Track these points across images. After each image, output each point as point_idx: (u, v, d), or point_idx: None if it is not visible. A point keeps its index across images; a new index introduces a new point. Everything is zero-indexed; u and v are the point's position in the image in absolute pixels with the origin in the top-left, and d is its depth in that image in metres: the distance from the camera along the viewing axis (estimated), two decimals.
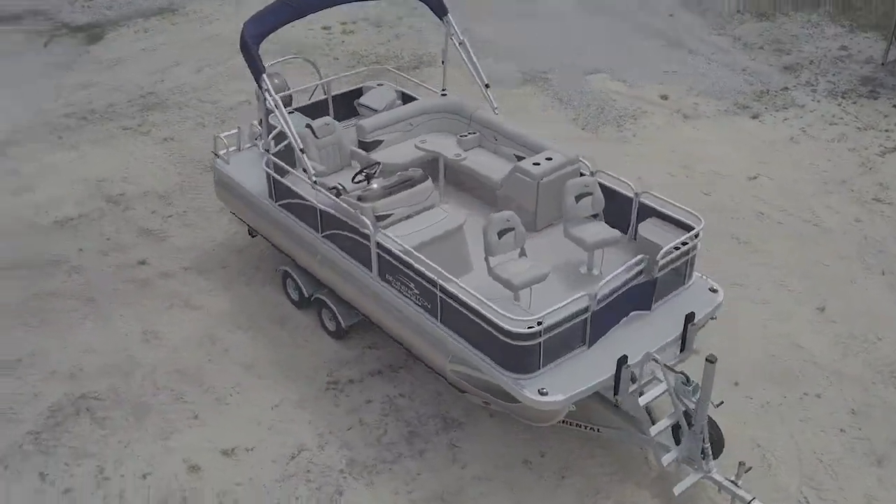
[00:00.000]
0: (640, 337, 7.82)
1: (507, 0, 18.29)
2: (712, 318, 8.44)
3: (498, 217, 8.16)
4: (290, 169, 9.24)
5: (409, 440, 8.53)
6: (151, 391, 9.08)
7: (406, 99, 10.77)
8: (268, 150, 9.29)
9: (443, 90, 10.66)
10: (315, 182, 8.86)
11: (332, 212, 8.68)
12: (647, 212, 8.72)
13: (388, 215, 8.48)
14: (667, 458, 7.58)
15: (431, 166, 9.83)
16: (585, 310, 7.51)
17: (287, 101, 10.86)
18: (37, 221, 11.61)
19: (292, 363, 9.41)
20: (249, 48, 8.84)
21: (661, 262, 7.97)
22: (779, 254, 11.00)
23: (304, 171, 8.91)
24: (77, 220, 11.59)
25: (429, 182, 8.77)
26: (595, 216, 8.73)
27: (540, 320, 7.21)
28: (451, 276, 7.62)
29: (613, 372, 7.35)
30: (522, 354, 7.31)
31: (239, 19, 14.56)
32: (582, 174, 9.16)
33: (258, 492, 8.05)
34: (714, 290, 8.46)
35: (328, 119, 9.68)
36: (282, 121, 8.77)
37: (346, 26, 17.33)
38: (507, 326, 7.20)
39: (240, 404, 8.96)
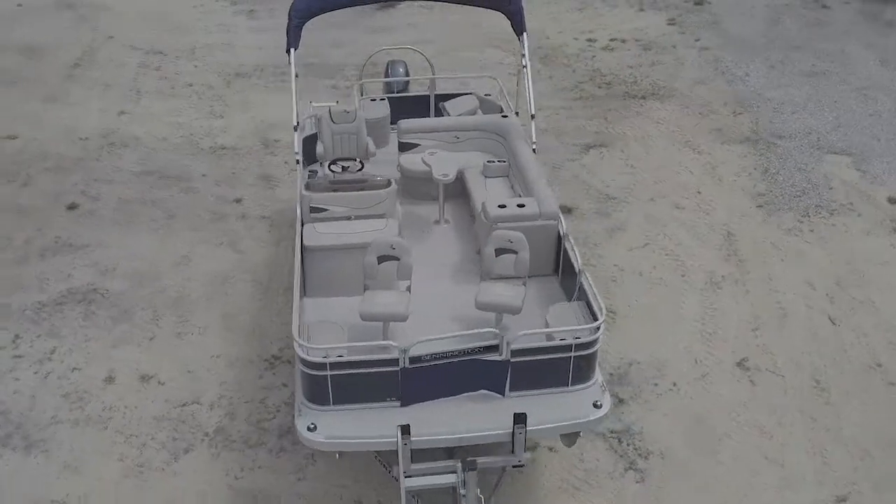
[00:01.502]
0: (467, 420, 6.78)
1: (805, 52, 16.02)
2: (578, 434, 7.08)
3: (382, 241, 7.56)
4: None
5: (282, 434, 8.39)
6: (143, 305, 9.98)
7: (487, 109, 10.29)
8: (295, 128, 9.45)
9: (512, 112, 10.03)
10: (298, 161, 8.95)
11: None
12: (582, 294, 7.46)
13: (324, 209, 8.29)
14: None
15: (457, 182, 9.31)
16: (394, 362, 6.71)
17: (403, 88, 10.92)
18: (199, 144, 13.17)
19: (267, 328, 9.69)
20: (290, 22, 9.13)
21: (514, 348, 6.81)
22: None
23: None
24: (223, 152, 12.90)
25: (386, 191, 8.36)
26: (522, 280, 7.69)
27: (327, 355, 6.65)
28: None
29: (397, 439, 6.53)
30: (312, 384, 6.79)
31: None
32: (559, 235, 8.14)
33: (131, 419, 8.55)
34: (597, 406, 6.98)
35: (351, 108, 9.68)
36: (293, 97, 9.01)
37: (613, 43, 16.56)
38: (301, 353, 6.75)
39: (192, 344, 9.48)
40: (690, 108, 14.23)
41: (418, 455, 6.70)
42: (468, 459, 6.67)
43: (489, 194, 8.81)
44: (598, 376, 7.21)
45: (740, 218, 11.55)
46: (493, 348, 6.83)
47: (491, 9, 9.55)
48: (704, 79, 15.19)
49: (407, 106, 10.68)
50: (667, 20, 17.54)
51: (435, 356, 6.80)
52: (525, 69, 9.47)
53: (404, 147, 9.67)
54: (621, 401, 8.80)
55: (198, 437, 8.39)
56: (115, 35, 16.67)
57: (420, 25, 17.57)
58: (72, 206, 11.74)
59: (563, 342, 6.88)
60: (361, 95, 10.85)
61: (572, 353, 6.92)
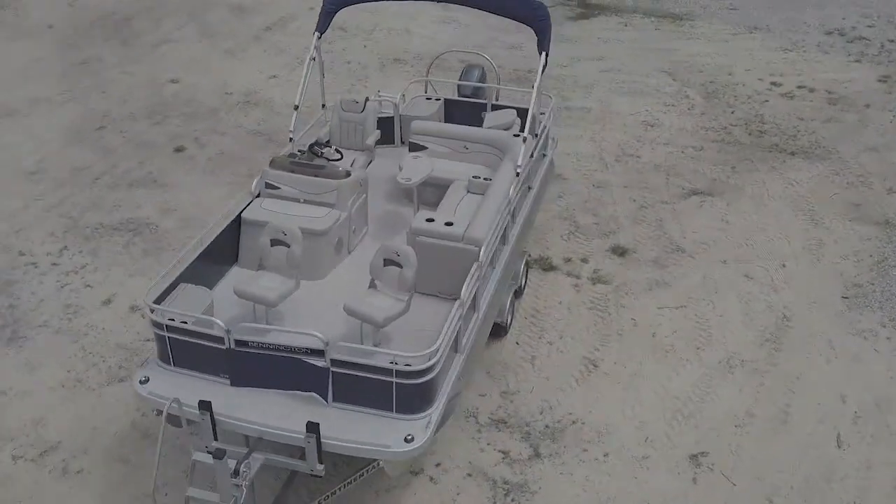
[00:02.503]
0: (276, 416, 6.66)
1: None
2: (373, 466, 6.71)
3: (275, 225, 7.58)
4: None
5: None
6: (175, 246, 10.77)
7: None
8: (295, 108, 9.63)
9: (529, 134, 9.43)
10: (290, 139, 9.17)
11: None
12: None
13: (277, 188, 8.45)
14: None
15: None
16: (220, 340, 6.76)
17: (472, 93, 10.75)
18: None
19: None
20: (323, 7, 9.33)
21: (333, 357, 6.54)
22: None
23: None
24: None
25: (338, 182, 8.33)
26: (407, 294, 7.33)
27: (159, 316, 6.89)
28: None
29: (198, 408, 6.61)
30: (158, 341, 7.05)
31: None
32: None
33: (100, 340, 9.35)
34: (408, 441, 6.50)
35: (361, 99, 9.64)
36: (302, 80, 9.25)
37: (799, 91, 14.87)
38: (147, 312, 7.00)
39: None
40: (839, 176, 12.49)
41: (226, 436, 6.77)
42: (252, 451, 6.62)
43: (452, 208, 8.47)
44: (435, 411, 6.77)
45: (811, 304, 10.03)
46: (319, 353, 6.67)
47: (520, 21, 9.10)
48: (880, 147, 13.22)
49: (462, 110, 10.51)
50: (879, 76, 15.41)
51: (262, 345, 6.79)
52: (534, 89, 8.90)
53: (413, 147, 9.54)
54: (538, 455, 8.13)
55: (131, 363, 9.01)
56: (314, 7, 17.83)
57: (611, 41, 16.99)
58: (179, 149, 12.93)
59: (391, 365, 6.54)
60: (425, 92, 10.85)
61: (394, 379, 6.56)
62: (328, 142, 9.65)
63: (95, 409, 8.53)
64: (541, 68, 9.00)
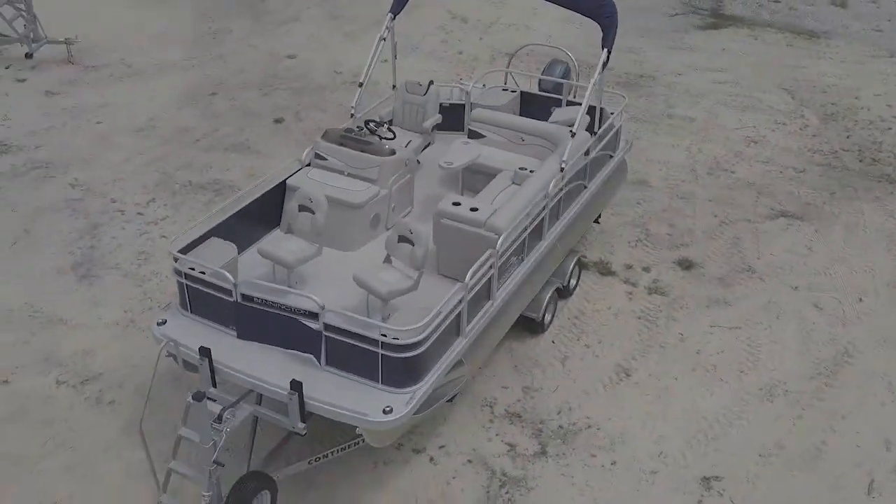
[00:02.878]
0: (269, 371, 6.88)
1: None
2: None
3: (304, 192, 7.84)
4: None
5: None
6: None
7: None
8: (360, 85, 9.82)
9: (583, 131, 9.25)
10: (352, 115, 9.40)
11: None
12: None
13: (325, 158, 8.68)
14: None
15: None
16: (228, 292, 7.04)
17: (553, 88, 10.67)
18: None
19: None
20: None
21: (325, 322, 6.67)
22: None
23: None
24: None
25: (381, 159, 8.46)
26: (419, 272, 7.39)
27: (181, 264, 7.24)
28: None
29: (198, 354, 6.92)
30: (178, 287, 7.43)
31: None
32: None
33: (160, 287, 9.91)
34: (386, 412, 6.55)
35: (425, 82, 9.78)
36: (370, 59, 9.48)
37: None
38: (172, 261, 7.42)
39: None
40: None
41: (228, 387, 7.08)
42: (239, 401, 6.88)
43: (492, 197, 8.45)
44: (421, 389, 6.82)
45: (880, 343, 9.36)
46: (314, 316, 6.85)
47: (586, 16, 8.94)
48: None
49: (537, 103, 10.44)
50: None
51: (265, 302, 7.03)
52: (589, 85, 8.71)
53: (472, 135, 9.57)
54: (544, 453, 8.00)
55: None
56: None
57: (735, 53, 16.39)
58: (278, 120, 13.47)
59: (379, 336, 6.64)
60: (505, 83, 10.85)
61: (380, 350, 6.64)
62: (390, 121, 9.83)
63: (139, 349, 9.05)
64: (601, 65, 8.84)
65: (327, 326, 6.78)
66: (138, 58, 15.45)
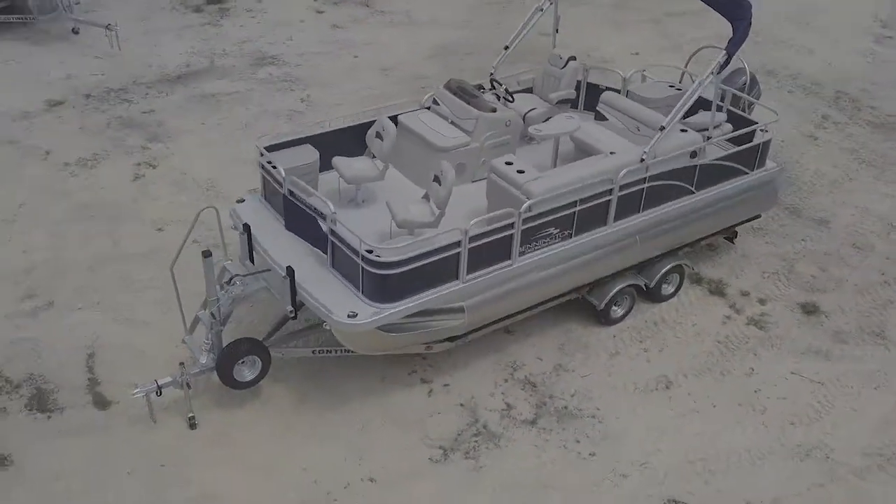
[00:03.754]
0: (288, 257, 7.84)
1: None
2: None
3: (380, 119, 8.71)
4: None
5: None
6: None
7: None
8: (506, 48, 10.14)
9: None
10: (490, 73, 9.95)
11: None
12: None
13: (438, 104, 9.38)
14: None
15: None
16: (280, 185, 8.08)
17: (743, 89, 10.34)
18: None
19: None
20: None
21: (329, 226, 7.47)
22: None
23: None
24: None
25: (478, 113, 8.96)
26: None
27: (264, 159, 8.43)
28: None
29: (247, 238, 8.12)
30: (260, 177, 8.68)
31: None
32: None
33: None
34: (350, 316, 7.20)
35: (566, 56, 10.00)
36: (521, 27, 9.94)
37: None
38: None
39: None
40: None
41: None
42: (257, 272, 8.03)
43: (559, 167, 8.61)
44: (393, 310, 7.40)
45: None
46: (324, 218, 7.71)
47: (722, 14, 8.59)
48: None
49: (695, 105, 10.20)
50: None
51: (296, 197, 8.01)
52: (695, 83, 8.42)
53: (599, 117, 9.64)
54: (534, 423, 8.16)
55: None
56: None
57: None
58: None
59: (362, 249, 7.31)
60: (680, 81, 10.65)
61: (360, 262, 7.32)
62: (531, 89, 10.21)
63: None
64: (717, 65, 8.52)
65: (331, 231, 7.62)
66: (420, 13, 17.04)
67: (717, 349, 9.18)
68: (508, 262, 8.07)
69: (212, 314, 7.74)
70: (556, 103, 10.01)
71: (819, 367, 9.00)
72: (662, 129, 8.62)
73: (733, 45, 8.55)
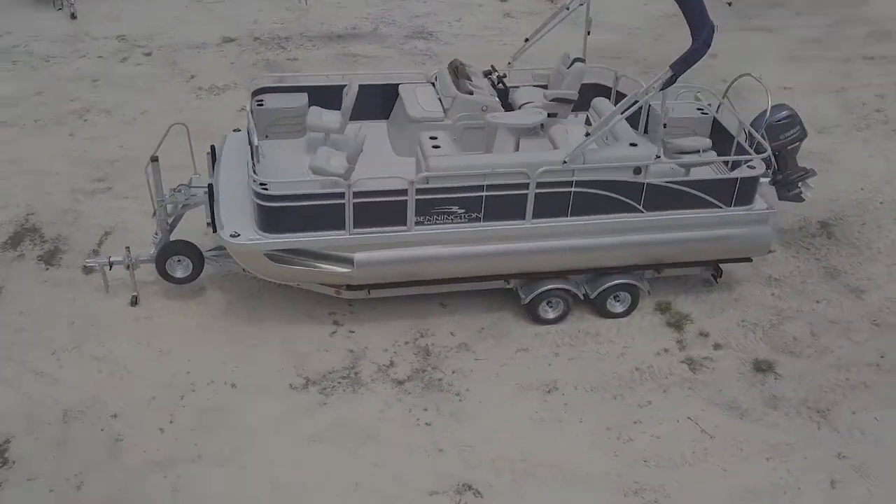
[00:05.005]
0: (229, 177, 9.07)
1: None
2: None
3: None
4: None
5: None
6: None
7: None
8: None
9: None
10: (509, 63, 10.28)
11: None
12: None
13: (434, 83, 10.00)
14: None
15: None
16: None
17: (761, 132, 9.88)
18: None
19: None
20: None
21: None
22: None
23: None
24: None
25: (458, 94, 9.40)
26: None
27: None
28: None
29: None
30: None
31: None
32: None
33: None
34: (233, 236, 8.26)
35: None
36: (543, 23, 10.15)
37: None
38: None
39: None
40: None
41: None
42: None
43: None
44: (275, 240, 8.35)
45: None
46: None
47: (687, 23, 8.31)
48: None
49: (714, 129, 9.84)
50: None
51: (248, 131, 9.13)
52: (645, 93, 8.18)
53: (588, 121, 9.65)
54: (402, 383, 8.64)
55: None
56: None
57: None
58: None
59: (254, 182, 8.28)
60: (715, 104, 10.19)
61: (254, 198, 8.30)
62: (546, 86, 10.34)
63: None
64: (660, 82, 8.28)
65: (248, 164, 8.66)
66: (601, 15, 17.17)
67: (631, 375, 8.93)
68: (404, 228, 8.58)
69: (158, 212, 9.14)
70: (552, 100, 10.10)
71: (723, 422, 8.45)
72: (587, 136, 8.56)
73: (679, 63, 8.24)
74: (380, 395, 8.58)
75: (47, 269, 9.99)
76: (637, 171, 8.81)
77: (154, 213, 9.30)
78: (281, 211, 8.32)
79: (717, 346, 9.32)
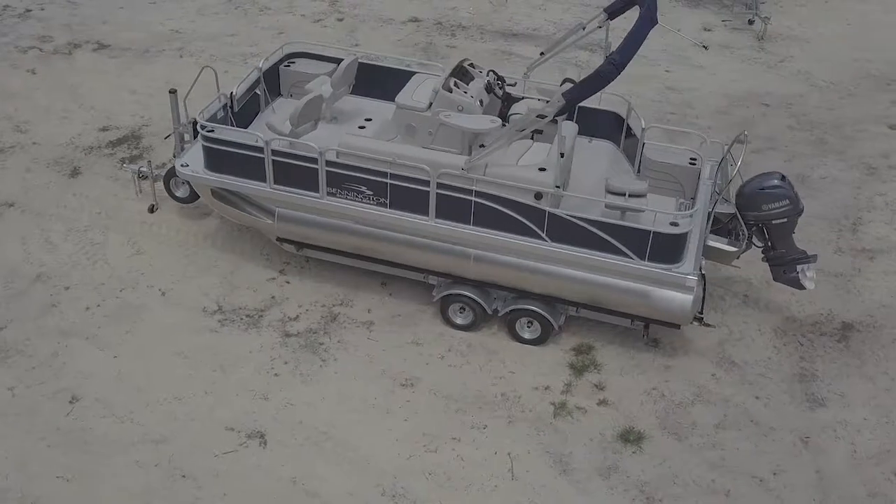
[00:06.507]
0: None
1: None
2: None
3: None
4: None
5: None
6: None
7: None
8: None
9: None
10: (525, 73, 10.22)
11: None
12: None
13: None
14: None
15: None
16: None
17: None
18: None
19: None
20: None
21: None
22: None
23: None
24: None
25: (440, 89, 9.57)
26: None
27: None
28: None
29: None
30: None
31: None
32: None
33: None
34: (183, 164, 9.46)
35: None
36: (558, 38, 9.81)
37: None
38: None
39: None
40: None
41: None
42: None
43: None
44: (205, 175, 9.52)
45: None
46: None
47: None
48: None
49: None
50: None
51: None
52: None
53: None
54: (287, 334, 9.36)
55: None
56: None
57: None
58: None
59: (207, 130, 9.40)
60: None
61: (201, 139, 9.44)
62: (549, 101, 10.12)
63: None
64: (551, 108, 7.99)
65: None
66: (794, 62, 15.65)
67: (492, 398, 8.82)
68: (317, 194, 9.21)
69: (175, 137, 10.65)
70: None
71: (539, 471, 8.11)
72: (482, 146, 8.47)
73: (571, 92, 7.88)
74: (263, 339, 9.40)
75: (121, 168, 12.06)
76: (538, 196, 8.57)
77: (166, 137, 10.91)
78: (217, 153, 9.41)
79: (601, 402, 8.78)
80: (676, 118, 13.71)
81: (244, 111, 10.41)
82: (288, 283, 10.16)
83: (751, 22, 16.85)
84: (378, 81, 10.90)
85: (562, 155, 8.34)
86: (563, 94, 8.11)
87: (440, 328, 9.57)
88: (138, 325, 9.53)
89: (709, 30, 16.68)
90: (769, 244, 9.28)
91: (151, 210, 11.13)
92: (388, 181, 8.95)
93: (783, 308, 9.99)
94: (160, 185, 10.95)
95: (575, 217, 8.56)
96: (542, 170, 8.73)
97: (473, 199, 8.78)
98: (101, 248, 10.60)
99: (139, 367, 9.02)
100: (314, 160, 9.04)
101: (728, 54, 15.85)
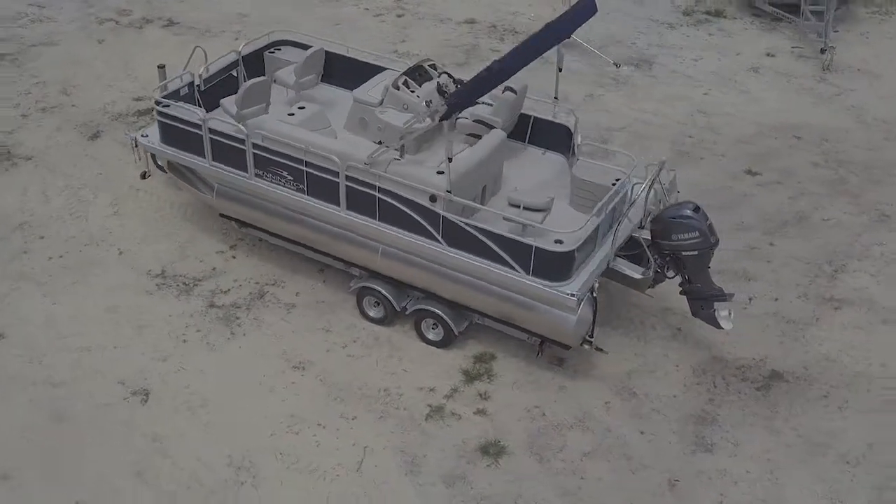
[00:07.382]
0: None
1: None
2: None
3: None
4: None
5: None
6: None
7: None
8: None
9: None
10: None
11: None
12: None
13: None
14: None
15: None
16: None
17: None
18: None
19: None
20: None
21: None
22: None
23: None
24: None
25: (388, 86, 9.75)
26: None
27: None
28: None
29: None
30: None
31: None
32: None
33: None
34: (144, 135, 10.14)
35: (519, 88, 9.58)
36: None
37: None
38: None
39: None
40: None
41: None
42: None
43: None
44: (157, 148, 10.13)
45: None
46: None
47: None
48: None
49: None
50: None
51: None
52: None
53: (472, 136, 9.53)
54: (212, 304, 9.85)
55: None
56: None
57: None
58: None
59: (162, 106, 9.99)
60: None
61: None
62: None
63: None
64: (434, 113, 7.99)
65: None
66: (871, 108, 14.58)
67: (375, 392, 8.98)
68: (246, 174, 9.60)
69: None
70: (474, 121, 9.82)
71: (388, 468, 8.21)
72: (380, 143, 8.59)
73: (452, 97, 7.83)
74: (188, 306, 9.94)
75: (125, 135, 12.94)
76: (433, 199, 8.60)
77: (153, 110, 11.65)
78: (169, 128, 10.01)
79: (479, 412, 8.74)
80: (692, 142, 13.20)
81: (222, 92, 10.97)
82: (234, 258, 10.65)
83: (822, 51, 15.85)
84: (363, 74, 11.13)
85: (450, 160, 8.33)
86: (445, 99, 8.12)
87: (355, 319, 9.78)
88: (87, 279, 10.30)
89: (772, 55, 15.82)
90: (685, 277, 8.90)
91: (143, 177, 11.86)
92: (305, 168, 9.24)
93: (713, 347, 9.52)
94: None
95: (466, 224, 8.54)
96: (440, 173, 8.75)
97: (378, 194, 8.93)
98: (87, 206, 11.48)
99: (69, 316, 9.77)
100: (242, 141, 9.47)
101: (784, 82, 15.00)
